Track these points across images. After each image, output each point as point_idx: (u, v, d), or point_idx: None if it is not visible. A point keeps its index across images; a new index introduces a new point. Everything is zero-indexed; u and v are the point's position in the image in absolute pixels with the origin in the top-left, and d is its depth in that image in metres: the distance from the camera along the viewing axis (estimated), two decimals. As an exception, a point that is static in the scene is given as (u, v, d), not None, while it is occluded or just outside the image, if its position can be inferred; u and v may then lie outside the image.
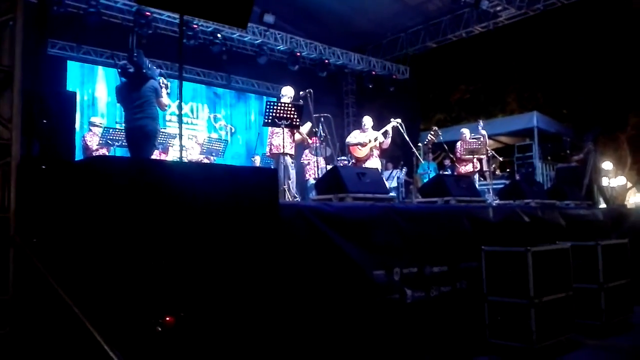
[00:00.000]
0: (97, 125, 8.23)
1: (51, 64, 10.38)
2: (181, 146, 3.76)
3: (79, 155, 7.88)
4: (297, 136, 7.23)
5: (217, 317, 2.32)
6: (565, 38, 14.58)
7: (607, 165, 14.06)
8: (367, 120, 8.36)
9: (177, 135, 5.11)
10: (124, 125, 5.75)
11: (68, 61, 11.01)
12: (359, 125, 9.07)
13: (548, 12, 11.89)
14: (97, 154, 7.95)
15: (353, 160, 8.29)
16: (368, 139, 8.08)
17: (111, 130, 7.82)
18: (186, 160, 9.21)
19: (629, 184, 17.57)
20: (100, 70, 11.48)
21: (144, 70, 5.31)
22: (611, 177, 14.93)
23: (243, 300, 2.49)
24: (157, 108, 5.56)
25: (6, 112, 2.73)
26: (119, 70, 5.73)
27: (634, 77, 14.36)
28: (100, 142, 7.76)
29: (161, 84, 5.70)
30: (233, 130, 13.70)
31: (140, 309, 2.04)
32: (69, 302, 1.83)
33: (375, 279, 3.80)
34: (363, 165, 8.05)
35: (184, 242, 2.21)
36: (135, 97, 5.33)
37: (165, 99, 5.75)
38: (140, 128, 5.36)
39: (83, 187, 2.15)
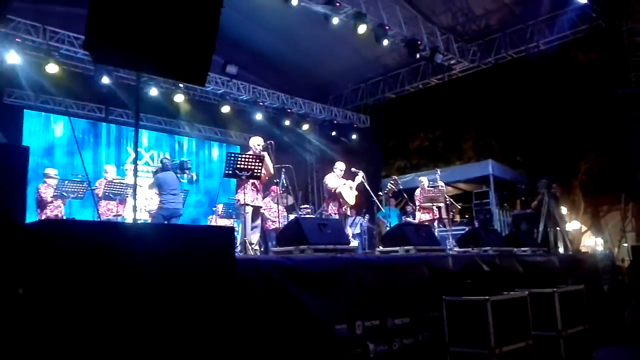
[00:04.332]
0: (51, 177, 7.98)
1: (7, 113, 10.18)
2: (135, 199, 3.68)
3: (32, 206, 7.63)
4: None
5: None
6: (517, 89, 15.30)
7: (561, 210, 14.52)
8: (342, 166, 8.06)
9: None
10: (162, 205, 7.47)
11: (25, 110, 10.82)
12: (321, 173, 9.04)
13: (499, 65, 12.53)
14: (52, 206, 7.71)
15: (344, 207, 7.80)
16: (355, 183, 7.89)
17: (66, 182, 7.60)
18: (145, 211, 9.08)
19: (584, 228, 18.17)
20: (57, 119, 11.31)
21: (179, 170, 7.75)
22: (566, 222, 15.43)
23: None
24: None
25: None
26: (161, 164, 8.05)
27: (583, 125, 15.15)
28: (55, 193, 7.53)
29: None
30: (195, 178, 13.59)
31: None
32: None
33: (338, 333, 3.73)
34: (349, 212, 7.94)
35: (136, 307, 2.14)
36: (173, 186, 7.51)
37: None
38: (177, 210, 7.57)
39: (31, 251, 2.07)
